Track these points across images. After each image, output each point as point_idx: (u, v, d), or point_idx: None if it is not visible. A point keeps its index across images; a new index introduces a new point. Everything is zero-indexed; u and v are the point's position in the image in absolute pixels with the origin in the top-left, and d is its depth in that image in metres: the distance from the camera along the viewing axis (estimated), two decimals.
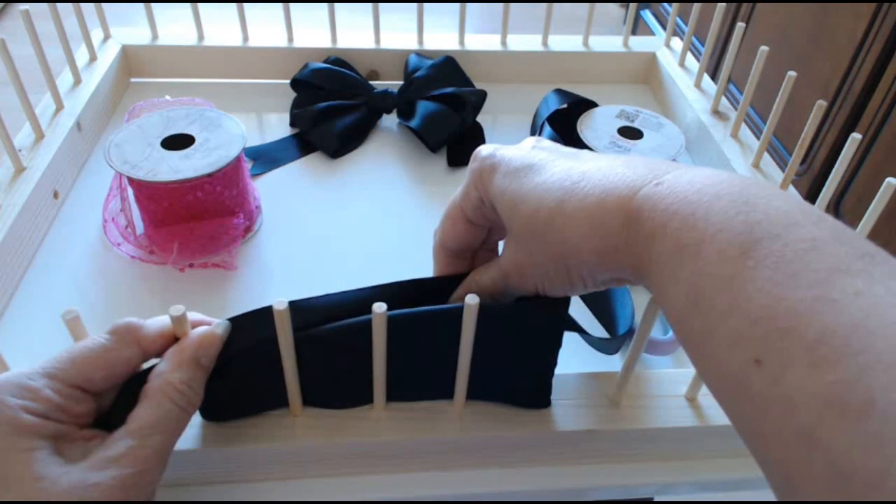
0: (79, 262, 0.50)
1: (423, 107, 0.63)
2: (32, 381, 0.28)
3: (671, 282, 0.25)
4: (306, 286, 0.48)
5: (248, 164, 0.59)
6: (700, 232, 0.25)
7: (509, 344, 0.36)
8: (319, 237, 0.54)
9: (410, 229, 0.55)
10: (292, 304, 0.33)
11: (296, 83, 0.66)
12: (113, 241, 0.50)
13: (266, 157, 0.62)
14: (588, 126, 0.57)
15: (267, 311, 0.33)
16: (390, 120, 0.67)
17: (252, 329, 0.34)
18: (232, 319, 0.33)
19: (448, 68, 0.67)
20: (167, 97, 0.61)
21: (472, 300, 0.32)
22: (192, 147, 0.49)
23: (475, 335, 0.34)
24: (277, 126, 0.66)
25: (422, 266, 0.51)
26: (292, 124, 0.66)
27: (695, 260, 0.24)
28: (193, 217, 0.49)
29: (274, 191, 0.58)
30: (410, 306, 0.34)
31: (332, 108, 0.63)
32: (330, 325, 0.34)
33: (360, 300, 0.35)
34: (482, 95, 0.64)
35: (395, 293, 0.35)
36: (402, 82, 0.68)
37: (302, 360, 0.34)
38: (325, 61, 0.68)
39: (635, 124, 0.58)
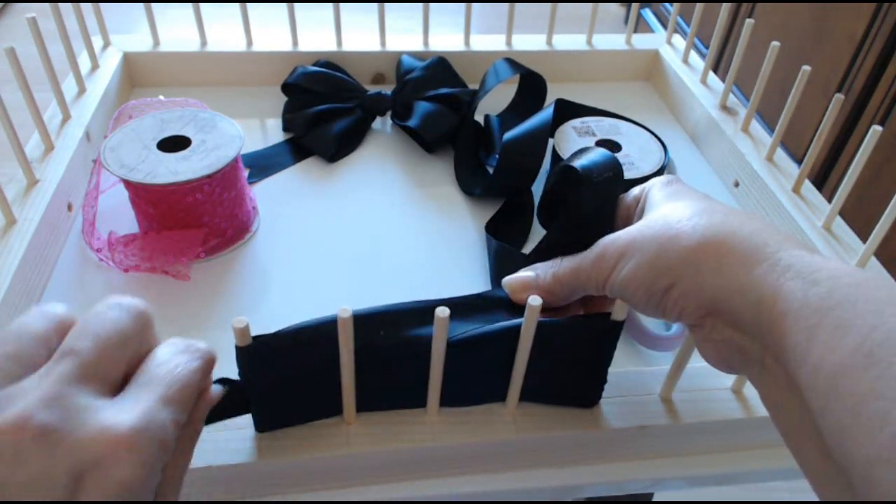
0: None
1: (422, 107, 0.63)
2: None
3: (837, 330, 0.24)
4: (304, 289, 0.49)
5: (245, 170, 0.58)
6: (889, 292, 0.25)
7: (564, 353, 0.36)
8: (317, 239, 0.53)
9: (409, 231, 0.54)
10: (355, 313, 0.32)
11: (286, 87, 0.65)
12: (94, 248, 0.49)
13: (261, 165, 0.61)
14: (567, 149, 0.56)
15: (324, 322, 0.32)
16: (383, 122, 0.67)
17: (304, 340, 0.33)
18: (287, 331, 0.33)
19: (441, 69, 0.67)
20: (161, 97, 0.60)
21: (534, 301, 0.32)
22: (190, 149, 0.49)
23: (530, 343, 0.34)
24: (270, 131, 0.65)
25: (420, 266, 0.51)
26: (286, 129, 0.65)
27: (877, 312, 0.24)
28: (192, 219, 0.49)
29: (270, 195, 0.57)
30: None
31: (327, 111, 0.63)
32: (389, 333, 0.34)
33: (418, 311, 0.35)
34: (474, 94, 0.64)
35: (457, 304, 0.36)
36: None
37: (358, 369, 0.34)
38: (315, 64, 0.67)
39: (601, 136, 0.58)
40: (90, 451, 0.21)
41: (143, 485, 0.22)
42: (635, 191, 0.38)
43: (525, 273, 0.38)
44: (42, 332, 0.24)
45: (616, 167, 0.39)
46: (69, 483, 0.21)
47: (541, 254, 0.40)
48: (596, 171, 0.38)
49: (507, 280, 0.38)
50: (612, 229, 0.36)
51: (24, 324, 0.24)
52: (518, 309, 0.37)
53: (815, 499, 0.27)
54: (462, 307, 0.36)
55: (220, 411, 0.32)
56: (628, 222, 0.36)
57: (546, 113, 0.56)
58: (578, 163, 0.39)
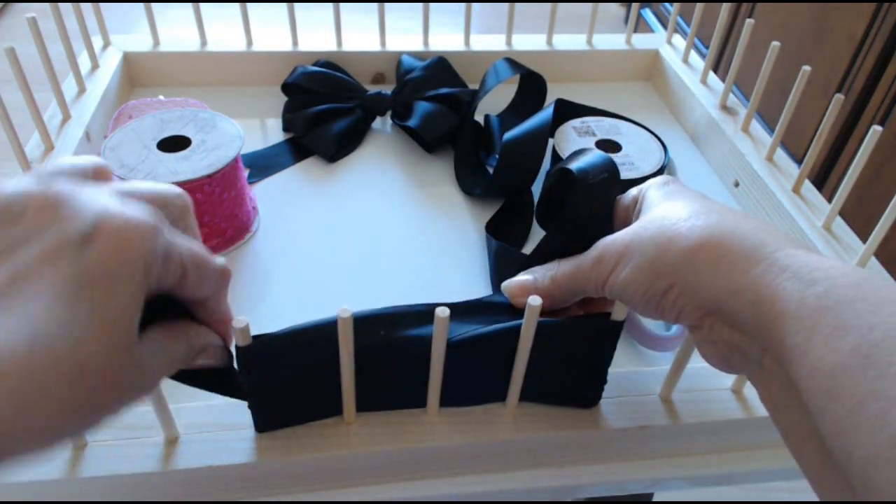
0: None
1: (422, 107, 0.63)
2: None
3: (835, 330, 0.24)
4: (304, 289, 0.49)
5: (245, 170, 0.58)
6: (887, 291, 0.24)
7: (564, 353, 0.36)
8: (317, 239, 0.53)
9: (409, 231, 0.54)
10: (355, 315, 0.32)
11: (286, 87, 0.65)
12: None
13: (261, 165, 0.61)
14: (567, 149, 0.56)
15: (325, 323, 0.32)
16: (382, 122, 0.67)
17: (308, 339, 0.33)
18: (287, 331, 0.33)
19: (441, 69, 0.67)
20: (161, 97, 0.60)
21: (534, 301, 0.32)
22: (190, 149, 0.49)
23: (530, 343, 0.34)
24: (270, 131, 0.65)
25: (420, 267, 0.51)
26: (286, 129, 0.65)
27: (875, 313, 0.24)
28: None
29: (270, 195, 0.57)
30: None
31: (327, 111, 0.63)
32: (389, 334, 0.34)
33: (419, 313, 0.35)
34: (474, 94, 0.64)
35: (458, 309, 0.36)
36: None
37: (358, 370, 0.34)
38: (316, 64, 0.68)
39: (601, 136, 0.58)
40: (107, 223, 0.23)
41: (141, 270, 0.23)
42: (633, 191, 0.38)
43: (523, 277, 0.38)
44: (89, 170, 0.26)
45: (611, 168, 0.39)
46: (80, 243, 0.22)
47: (540, 255, 0.40)
48: (591, 173, 0.38)
49: (506, 284, 0.39)
50: (610, 230, 0.36)
51: (76, 158, 0.27)
52: (518, 313, 0.37)
53: (815, 499, 0.27)
54: (462, 310, 0.37)
55: (210, 380, 0.32)
56: (626, 223, 0.36)
57: (546, 113, 0.56)
58: (574, 165, 0.39)
